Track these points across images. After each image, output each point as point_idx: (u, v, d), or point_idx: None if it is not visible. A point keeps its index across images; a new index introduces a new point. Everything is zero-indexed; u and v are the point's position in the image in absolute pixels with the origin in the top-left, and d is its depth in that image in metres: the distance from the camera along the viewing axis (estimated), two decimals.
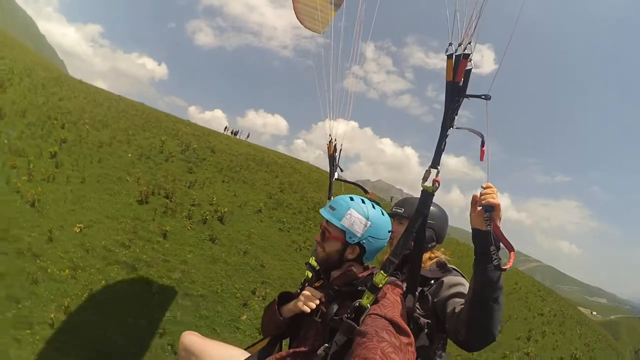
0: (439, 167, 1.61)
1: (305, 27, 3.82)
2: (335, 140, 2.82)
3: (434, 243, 2.18)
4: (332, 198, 2.49)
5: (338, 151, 2.83)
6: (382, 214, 1.75)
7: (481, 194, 1.57)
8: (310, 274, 2.06)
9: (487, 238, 1.52)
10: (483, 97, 1.55)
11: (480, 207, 1.56)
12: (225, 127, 38.77)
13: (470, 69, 1.58)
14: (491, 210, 1.53)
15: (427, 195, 1.63)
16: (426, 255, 2.10)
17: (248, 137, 40.87)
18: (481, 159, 1.55)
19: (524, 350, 12.32)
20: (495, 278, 1.52)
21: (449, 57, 1.61)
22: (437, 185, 1.60)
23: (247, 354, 1.97)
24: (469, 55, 1.57)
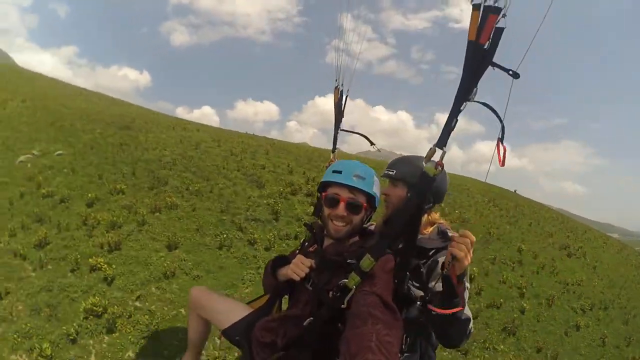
0: (444, 148, 1.41)
1: None
2: (342, 85, 2.55)
3: (431, 205, 2.06)
4: (335, 152, 2.48)
5: (344, 97, 2.56)
6: None
7: (453, 240, 1.55)
8: (309, 234, 2.03)
9: (446, 281, 1.54)
10: (510, 72, 1.32)
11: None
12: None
13: (503, 28, 1.27)
14: (455, 259, 1.52)
15: (428, 179, 1.46)
16: (425, 219, 2.02)
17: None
18: (500, 163, 1.39)
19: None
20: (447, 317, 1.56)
21: (475, 7, 1.28)
22: (439, 169, 1.45)
23: (247, 308, 2.09)
24: (500, 10, 1.25)
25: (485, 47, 1.30)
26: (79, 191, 8.22)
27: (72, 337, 4.84)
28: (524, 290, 8.20)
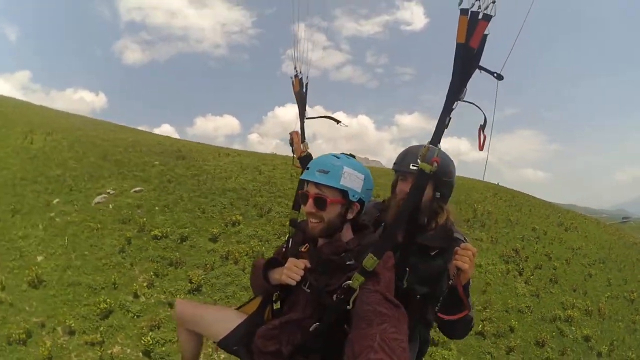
0: (439, 146, 1.43)
1: None
2: (301, 73, 2.40)
3: (447, 199, 2.00)
4: (305, 142, 2.34)
5: (305, 85, 2.42)
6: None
7: (456, 253, 1.62)
8: (293, 231, 1.97)
9: (453, 291, 1.65)
10: (495, 75, 1.37)
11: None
12: None
13: (487, 35, 1.32)
14: (459, 271, 1.62)
15: (425, 176, 1.45)
16: (443, 215, 1.95)
17: None
18: (480, 147, 1.45)
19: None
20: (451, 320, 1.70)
21: (463, 12, 1.32)
22: (435, 165, 1.43)
23: (239, 314, 2.00)
24: (491, 17, 1.29)
25: (475, 50, 1.33)
26: (192, 228, 7.74)
27: None
28: (550, 255, 11.43)
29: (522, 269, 9.99)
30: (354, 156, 1.71)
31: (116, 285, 6.67)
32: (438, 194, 1.85)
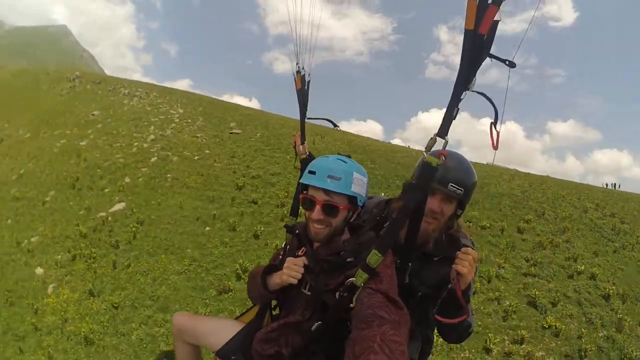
0: (447, 138, 1.34)
1: None
2: (304, 69, 2.26)
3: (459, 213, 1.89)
4: (304, 143, 2.24)
5: (307, 83, 2.27)
6: None
7: (457, 257, 1.60)
8: (290, 237, 1.98)
9: (452, 295, 1.62)
10: (507, 62, 1.29)
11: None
12: None
13: (498, 21, 1.23)
14: (459, 275, 1.60)
15: (430, 169, 1.35)
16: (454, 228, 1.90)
17: None
18: (493, 146, 1.35)
19: None
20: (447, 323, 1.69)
21: None
22: (442, 158, 1.36)
23: (237, 324, 1.99)
24: (501, 2, 1.19)
25: (484, 37, 1.24)
26: (503, 222, 9.43)
27: None
28: None
29: None
30: (350, 156, 1.72)
31: None
32: (460, 212, 1.83)
